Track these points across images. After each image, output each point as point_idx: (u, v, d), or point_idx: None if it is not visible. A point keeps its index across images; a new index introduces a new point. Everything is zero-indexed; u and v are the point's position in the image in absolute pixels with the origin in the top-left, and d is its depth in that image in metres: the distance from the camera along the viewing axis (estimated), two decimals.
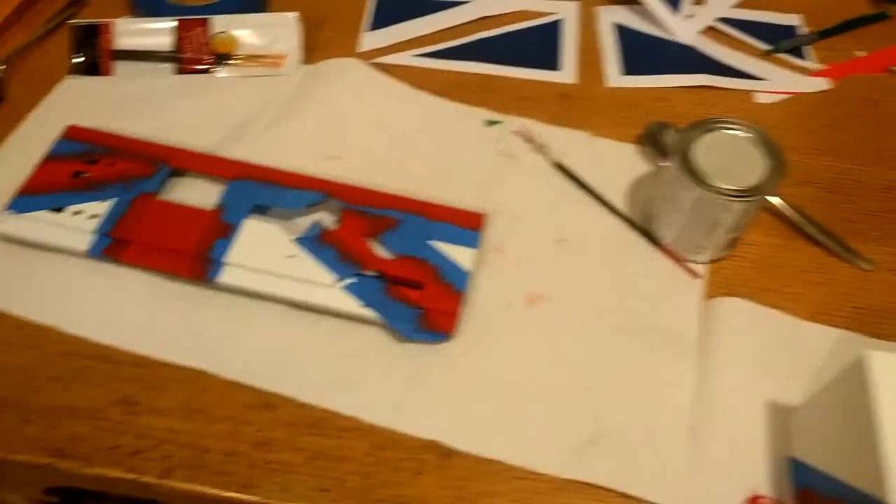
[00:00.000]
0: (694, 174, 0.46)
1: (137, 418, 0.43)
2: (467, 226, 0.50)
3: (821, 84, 0.62)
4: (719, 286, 0.50)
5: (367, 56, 0.62)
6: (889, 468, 0.33)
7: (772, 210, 0.54)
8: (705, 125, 0.48)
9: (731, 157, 0.47)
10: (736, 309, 0.48)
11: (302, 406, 0.43)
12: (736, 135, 0.48)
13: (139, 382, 0.44)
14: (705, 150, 0.47)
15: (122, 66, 0.61)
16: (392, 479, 0.41)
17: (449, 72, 0.62)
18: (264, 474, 0.41)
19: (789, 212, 0.53)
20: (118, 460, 0.41)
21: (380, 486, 0.41)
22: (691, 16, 0.66)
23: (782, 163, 0.47)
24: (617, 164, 0.56)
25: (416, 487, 0.41)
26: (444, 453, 0.42)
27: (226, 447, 0.42)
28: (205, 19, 0.61)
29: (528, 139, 0.57)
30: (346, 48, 0.63)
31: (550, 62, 0.63)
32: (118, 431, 0.42)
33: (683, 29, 0.65)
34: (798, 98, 0.62)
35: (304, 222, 0.49)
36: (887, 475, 0.33)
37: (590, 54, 0.64)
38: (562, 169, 0.55)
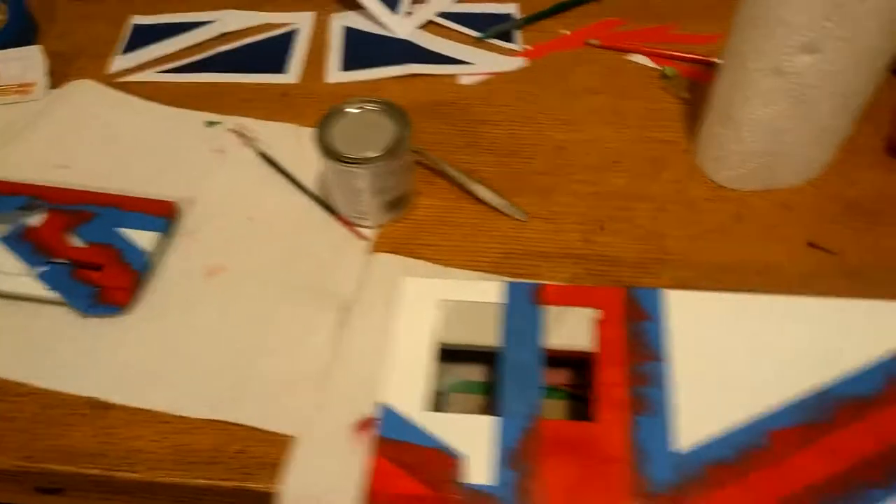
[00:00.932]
0: (325, 150, 0.53)
1: None
2: (157, 213, 0.57)
3: (519, 62, 0.69)
4: (385, 246, 0.57)
5: (114, 77, 0.70)
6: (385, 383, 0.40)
7: (445, 175, 0.60)
8: (342, 107, 0.55)
9: (364, 131, 0.54)
10: (384, 262, 0.55)
11: None
12: (371, 111, 0.55)
13: None
14: (343, 128, 0.54)
15: None
16: (50, 433, 0.48)
17: (183, 83, 0.69)
18: None
19: (459, 176, 0.60)
20: None
21: (38, 439, 0.48)
22: (410, 13, 0.73)
23: (407, 130, 0.54)
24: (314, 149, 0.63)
25: (68, 437, 0.48)
26: (102, 407, 0.49)
27: None
28: None
29: (241, 135, 0.64)
30: (96, 72, 0.71)
31: (279, 66, 0.70)
32: None
33: (402, 26, 0.72)
34: (498, 77, 0.69)
35: (14, 222, 0.57)
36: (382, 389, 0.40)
37: (316, 56, 0.71)
38: (265, 158, 0.63)
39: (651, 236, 0.56)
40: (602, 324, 0.41)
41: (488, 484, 0.36)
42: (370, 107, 0.55)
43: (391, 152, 0.53)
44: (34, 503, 0.53)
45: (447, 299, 0.43)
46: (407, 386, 0.39)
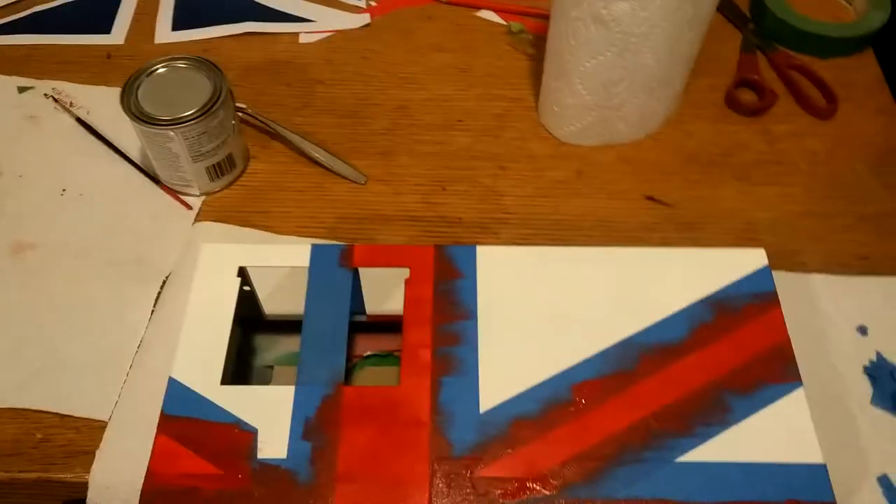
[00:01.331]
0: (132, 112, 0.49)
1: None
2: None
3: (363, 20, 0.66)
4: (213, 215, 0.53)
5: None
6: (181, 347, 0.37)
7: (281, 137, 0.57)
8: (149, 68, 0.51)
9: (176, 90, 0.50)
10: (207, 231, 0.51)
11: None
12: (181, 68, 0.51)
13: None
14: (152, 89, 0.50)
15: None
16: None
17: None
18: None
19: (294, 138, 0.57)
20: None
21: None
22: None
23: (223, 86, 0.50)
24: None
25: None
26: None
27: None
28: None
29: (57, 100, 0.59)
30: None
31: (104, 27, 0.65)
32: None
33: None
34: (340, 34, 0.65)
35: None
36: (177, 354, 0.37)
37: (146, 15, 0.66)
38: (84, 125, 0.58)
39: (492, 195, 0.55)
40: (409, 283, 0.39)
41: (281, 458, 0.34)
42: (181, 64, 0.51)
43: (205, 110, 0.49)
44: None
45: (250, 265, 0.40)
46: (201, 359, 0.36)
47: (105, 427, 0.43)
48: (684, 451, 0.34)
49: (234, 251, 0.40)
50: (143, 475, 0.34)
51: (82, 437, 0.43)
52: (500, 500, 0.32)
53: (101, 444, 0.43)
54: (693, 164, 0.56)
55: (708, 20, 0.51)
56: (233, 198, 0.54)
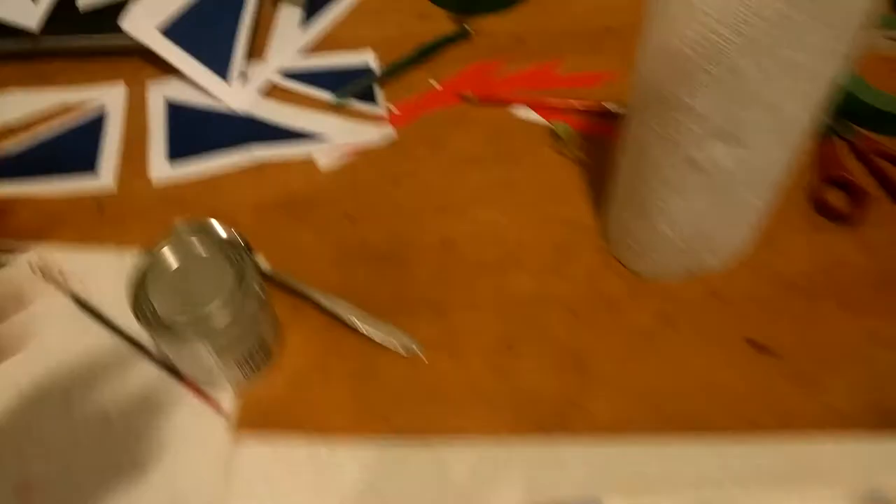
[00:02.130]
0: (144, 319, 0.40)
1: None
2: None
3: (386, 132, 0.58)
4: (251, 417, 0.45)
5: None
6: None
7: (313, 301, 0.49)
8: (158, 248, 0.42)
9: (192, 276, 0.41)
10: (254, 456, 0.43)
11: None
12: (195, 245, 0.42)
13: None
14: (163, 283, 0.41)
15: None
16: None
17: None
18: None
19: (328, 304, 0.48)
20: None
21: None
22: (245, 75, 0.60)
23: (249, 264, 0.41)
24: None
25: None
26: None
27: None
28: None
29: (44, 272, 0.50)
30: None
31: (89, 164, 0.56)
32: None
33: (237, 96, 0.59)
34: (363, 156, 0.57)
35: None
36: None
37: (136, 145, 0.57)
38: (81, 304, 0.49)
39: (568, 354, 0.47)
40: None
41: None
42: (192, 238, 0.42)
43: (232, 301, 0.40)
44: None
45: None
46: None
47: None
48: None
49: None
50: None
51: None
52: None
53: None
54: (793, 294, 0.49)
55: (807, 141, 0.43)
56: (268, 390, 0.46)
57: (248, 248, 0.42)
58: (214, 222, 0.45)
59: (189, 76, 0.58)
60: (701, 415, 0.44)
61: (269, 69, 0.60)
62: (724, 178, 0.41)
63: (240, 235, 0.43)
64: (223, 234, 0.44)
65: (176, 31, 0.59)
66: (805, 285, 0.49)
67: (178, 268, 0.42)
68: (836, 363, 0.46)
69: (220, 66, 0.59)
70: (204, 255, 0.42)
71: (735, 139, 0.39)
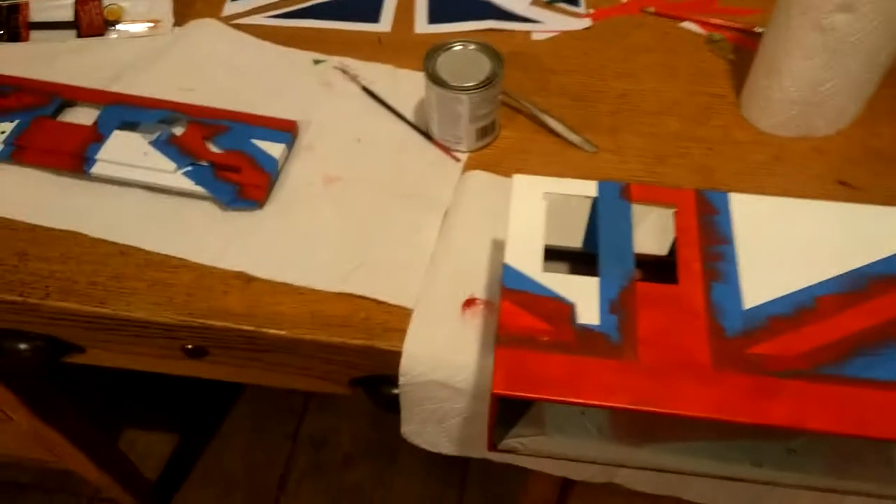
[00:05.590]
0: (433, 78, 0.63)
1: (27, 264, 0.59)
2: (281, 129, 0.66)
3: (584, 23, 0.79)
4: (477, 166, 0.66)
5: (228, 19, 0.79)
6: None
7: (525, 113, 0.70)
8: (447, 45, 0.65)
9: (464, 65, 0.64)
10: (477, 178, 0.64)
11: (148, 253, 0.60)
12: (470, 49, 0.65)
13: (30, 242, 0.60)
14: (446, 62, 0.64)
15: (36, 34, 0.78)
16: (207, 296, 0.57)
17: (288, 27, 0.78)
18: (115, 296, 0.57)
19: (538, 113, 0.70)
20: (12, 289, 0.57)
21: (197, 301, 0.57)
22: None
23: (500, 66, 0.63)
24: (412, 86, 0.72)
25: (223, 301, 0.57)
26: (248, 279, 0.58)
27: (89, 280, 0.58)
28: None
29: (345, 72, 0.74)
30: (211, 14, 0.80)
31: (373, 16, 0.80)
32: (14, 272, 0.58)
33: None
34: (565, 35, 0.78)
35: (158, 131, 0.66)
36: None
37: (406, 8, 0.81)
38: (368, 92, 0.72)
39: (703, 169, 0.66)
40: (678, 215, 0.50)
41: (596, 324, 0.46)
42: (469, 46, 0.65)
43: (488, 83, 0.62)
44: (178, 367, 0.63)
45: (551, 191, 0.52)
46: (525, 253, 0.49)
47: (411, 313, 0.56)
48: None
49: (539, 181, 0.52)
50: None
51: (395, 318, 0.56)
52: (767, 369, 0.43)
53: (410, 325, 0.56)
54: (878, 159, 0.66)
55: None
56: (487, 156, 0.67)
57: (500, 58, 0.64)
58: (483, 42, 0.67)
59: None
60: None
61: None
62: (841, 41, 0.59)
63: (496, 50, 0.65)
64: (485, 46, 0.66)
65: None
66: (890, 156, 0.67)
67: (455, 56, 0.64)
68: None
69: None
70: (473, 52, 0.64)
71: (853, 8, 0.57)
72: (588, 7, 0.81)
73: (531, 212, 0.52)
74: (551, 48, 0.77)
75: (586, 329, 0.45)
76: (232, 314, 0.56)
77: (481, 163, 0.67)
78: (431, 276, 0.58)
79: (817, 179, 0.65)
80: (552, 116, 0.69)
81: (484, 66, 0.64)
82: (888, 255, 0.48)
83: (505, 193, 0.53)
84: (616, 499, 0.68)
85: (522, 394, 0.43)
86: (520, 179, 0.53)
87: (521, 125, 0.70)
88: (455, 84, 0.62)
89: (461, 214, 0.62)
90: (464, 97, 0.62)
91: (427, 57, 0.64)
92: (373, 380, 0.59)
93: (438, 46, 0.65)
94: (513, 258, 0.49)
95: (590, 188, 0.53)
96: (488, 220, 0.61)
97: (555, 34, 0.78)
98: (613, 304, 0.47)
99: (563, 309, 0.46)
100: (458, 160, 0.67)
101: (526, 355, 0.44)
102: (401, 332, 0.55)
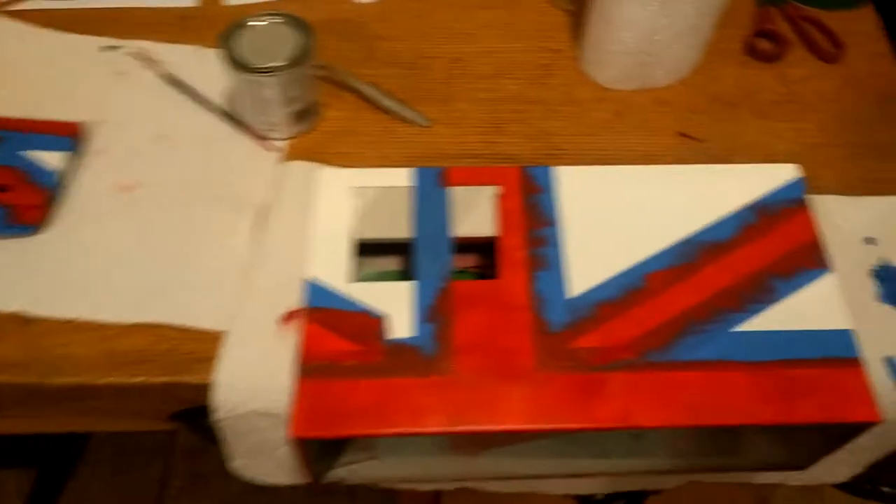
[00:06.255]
0: (233, 60, 0.55)
1: None
2: (63, 134, 0.57)
3: None
4: (297, 155, 0.59)
5: (2, 6, 0.68)
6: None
7: (350, 88, 0.63)
8: (248, 20, 0.57)
9: (269, 43, 0.56)
10: (296, 169, 0.58)
11: None
12: (275, 24, 0.57)
13: None
14: (247, 41, 0.56)
15: None
16: None
17: (74, 10, 0.68)
18: None
19: (363, 87, 0.63)
20: None
21: None
22: None
23: (311, 40, 0.56)
24: (220, 69, 0.64)
25: None
26: (25, 321, 0.50)
27: None
28: None
29: (143, 58, 0.65)
30: None
31: None
32: None
33: None
34: None
35: None
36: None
37: None
38: (170, 79, 0.63)
39: (543, 134, 0.61)
40: (502, 198, 0.46)
41: (410, 336, 0.40)
42: (273, 20, 0.57)
43: (297, 61, 0.55)
44: None
45: (361, 185, 0.46)
46: (330, 262, 0.43)
47: (223, 336, 0.50)
48: (738, 323, 0.41)
49: (347, 174, 0.46)
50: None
51: (205, 346, 0.50)
52: (592, 364, 0.40)
53: (222, 352, 0.49)
54: (719, 105, 0.63)
55: None
56: (310, 141, 0.60)
57: (310, 31, 0.57)
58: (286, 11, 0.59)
59: None
60: None
61: None
62: None
63: (305, 21, 0.58)
64: (292, 18, 0.58)
65: None
66: (730, 100, 0.64)
67: (258, 33, 0.56)
68: (743, 149, 0.60)
69: None
70: (278, 27, 0.57)
71: None
72: None
73: (338, 211, 0.46)
74: (378, 12, 0.70)
75: (398, 344, 0.40)
76: (7, 365, 0.48)
77: (303, 150, 0.60)
78: (246, 290, 0.52)
79: (659, 133, 0.61)
80: (380, 90, 0.63)
81: (291, 42, 0.56)
82: (717, 218, 0.45)
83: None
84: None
85: (324, 434, 0.38)
86: (325, 174, 0.47)
87: (346, 103, 0.63)
88: (258, 65, 0.55)
89: (279, 213, 0.55)
90: (270, 79, 0.55)
91: (225, 36, 0.56)
92: (194, 412, 0.52)
93: (238, 23, 0.57)
94: (318, 269, 0.43)
95: (405, 177, 0.47)
96: (305, 216, 0.55)
97: None
98: (429, 311, 0.41)
99: (371, 324, 0.41)
100: (275, 150, 0.59)
101: (331, 385, 0.39)
102: (211, 361, 0.49)
